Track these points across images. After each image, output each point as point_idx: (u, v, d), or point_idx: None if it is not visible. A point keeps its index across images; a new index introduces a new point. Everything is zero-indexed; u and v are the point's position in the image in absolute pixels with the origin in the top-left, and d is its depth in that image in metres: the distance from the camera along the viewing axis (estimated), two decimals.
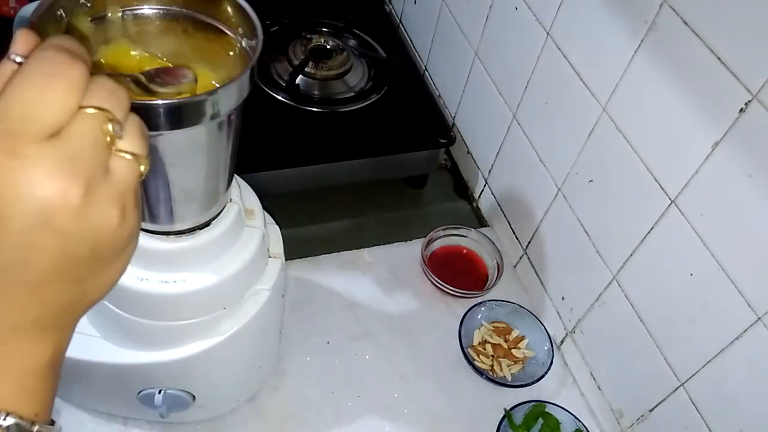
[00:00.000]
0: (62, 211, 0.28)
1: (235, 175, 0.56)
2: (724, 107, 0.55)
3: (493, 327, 0.84)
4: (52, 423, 0.34)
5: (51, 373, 0.33)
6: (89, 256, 0.30)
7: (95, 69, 0.30)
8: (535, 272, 0.88)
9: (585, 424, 0.75)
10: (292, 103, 0.95)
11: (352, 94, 0.99)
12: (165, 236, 0.52)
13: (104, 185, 0.29)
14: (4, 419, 0.31)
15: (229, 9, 0.45)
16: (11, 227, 0.27)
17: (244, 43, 0.46)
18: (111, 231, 0.30)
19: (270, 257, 0.63)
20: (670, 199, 0.63)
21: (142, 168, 0.31)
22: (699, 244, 0.60)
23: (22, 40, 0.29)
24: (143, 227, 0.52)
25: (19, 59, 0.29)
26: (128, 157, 0.30)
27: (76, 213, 0.28)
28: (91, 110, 0.28)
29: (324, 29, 1.06)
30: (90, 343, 0.60)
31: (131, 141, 0.30)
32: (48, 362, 0.33)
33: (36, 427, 0.32)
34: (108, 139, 0.29)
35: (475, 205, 1.03)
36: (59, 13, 0.41)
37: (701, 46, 0.56)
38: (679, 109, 0.60)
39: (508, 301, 0.85)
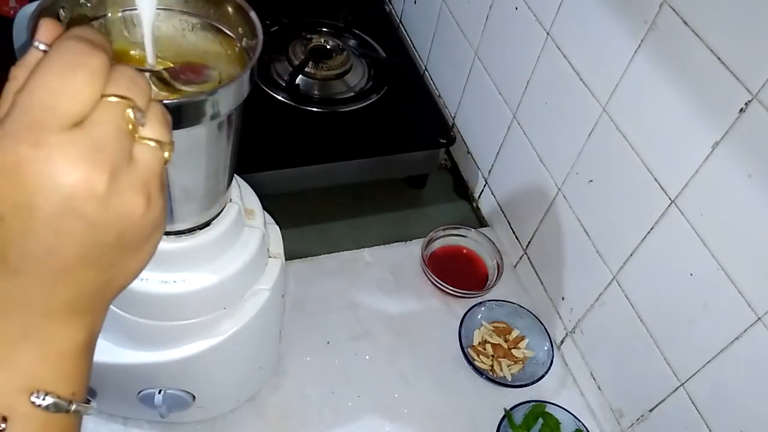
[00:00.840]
0: (87, 199, 0.28)
1: (235, 175, 0.56)
2: (724, 107, 0.55)
3: (493, 327, 0.84)
4: (88, 402, 0.35)
5: (86, 355, 0.35)
6: (115, 243, 0.31)
7: (117, 59, 0.30)
8: (535, 272, 0.88)
9: (585, 424, 0.75)
10: (292, 103, 0.95)
11: (352, 94, 0.99)
12: (165, 236, 0.52)
13: (129, 173, 0.29)
14: (44, 399, 0.32)
15: (229, 9, 0.46)
16: (38, 216, 0.28)
17: (244, 43, 0.46)
18: (136, 218, 0.30)
19: (270, 257, 0.63)
20: (670, 199, 0.63)
21: (167, 154, 0.32)
22: (699, 244, 0.60)
23: (45, 28, 0.30)
24: None
25: (43, 47, 0.29)
26: (152, 144, 0.31)
27: (101, 201, 0.28)
28: (113, 98, 0.29)
29: (324, 29, 1.06)
30: None
31: (154, 128, 0.31)
32: (82, 344, 0.34)
33: (74, 406, 0.33)
34: (130, 126, 0.29)
35: (475, 205, 1.03)
36: (59, 13, 0.41)
37: (701, 46, 0.56)
38: (679, 109, 0.60)
39: (508, 301, 0.85)
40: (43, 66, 0.28)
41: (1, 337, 0.31)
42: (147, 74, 0.38)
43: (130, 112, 0.29)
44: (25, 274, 0.30)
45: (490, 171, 0.97)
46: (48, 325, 0.32)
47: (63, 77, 0.28)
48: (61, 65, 0.28)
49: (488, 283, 0.89)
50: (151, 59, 0.40)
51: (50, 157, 0.27)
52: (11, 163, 0.27)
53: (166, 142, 0.32)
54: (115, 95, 0.29)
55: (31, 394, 0.31)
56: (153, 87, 0.39)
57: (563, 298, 0.83)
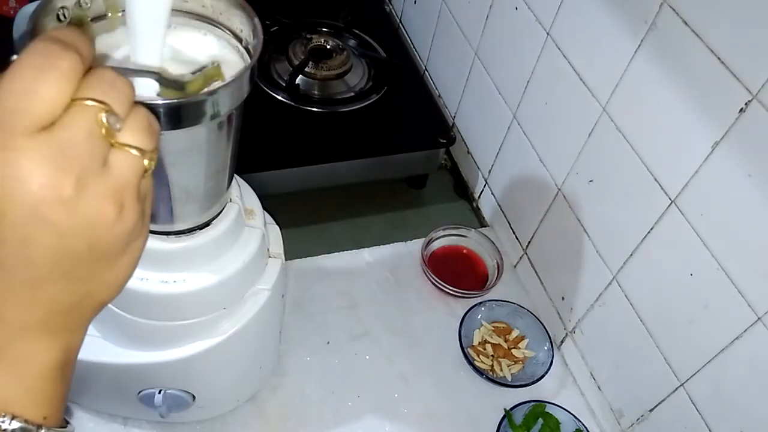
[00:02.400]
0: (54, 205, 0.27)
1: (235, 175, 0.56)
2: (724, 107, 0.55)
3: (493, 327, 0.84)
4: (65, 425, 0.34)
5: (60, 376, 0.33)
6: (87, 253, 0.29)
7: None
8: (535, 272, 0.88)
9: (585, 424, 0.75)
10: (292, 103, 0.95)
11: (352, 94, 0.99)
12: (165, 236, 0.52)
13: (100, 179, 0.28)
14: (10, 422, 0.30)
15: (230, 9, 0.46)
16: (6, 222, 0.27)
17: (244, 43, 0.46)
18: (107, 226, 0.29)
19: (270, 257, 0.63)
20: (670, 199, 0.63)
21: (146, 162, 0.30)
22: (699, 244, 0.60)
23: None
24: None
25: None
26: (133, 151, 0.29)
27: (68, 206, 0.27)
28: (87, 102, 0.28)
29: (324, 29, 1.06)
30: (90, 343, 0.59)
31: (134, 134, 0.30)
32: (57, 364, 0.32)
33: (43, 431, 0.31)
34: (103, 131, 0.28)
35: (475, 205, 1.03)
36: (59, 13, 0.41)
37: (701, 46, 0.56)
38: (679, 109, 0.60)
39: (508, 301, 0.85)
40: (10, 70, 0.27)
41: None
42: (152, 75, 0.38)
43: (103, 117, 0.28)
44: None
45: (490, 171, 0.97)
46: (21, 343, 0.30)
47: (30, 80, 0.27)
48: (29, 68, 0.27)
49: (488, 283, 0.89)
50: (157, 60, 0.39)
51: (16, 160, 0.26)
52: None
53: (147, 149, 0.30)
54: (89, 98, 0.28)
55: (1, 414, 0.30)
56: (158, 87, 0.39)
57: (563, 298, 0.83)
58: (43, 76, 0.27)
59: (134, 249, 0.32)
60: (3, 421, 0.30)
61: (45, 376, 0.32)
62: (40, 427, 0.31)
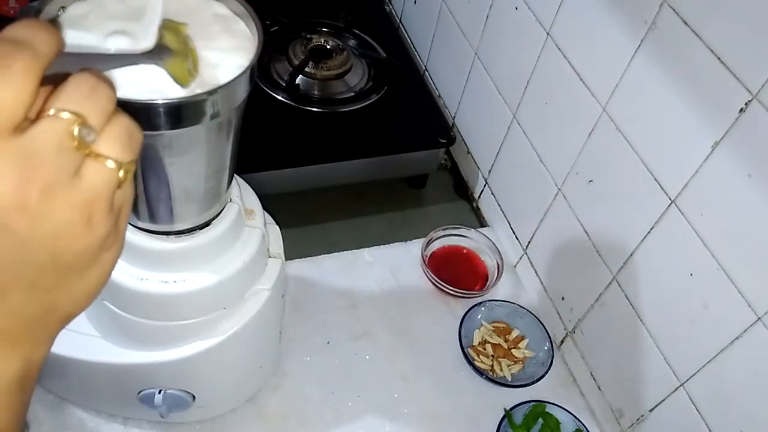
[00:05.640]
0: (17, 213, 0.26)
1: (235, 175, 0.56)
2: (724, 107, 0.55)
3: (493, 327, 0.84)
4: None
5: (20, 389, 0.31)
6: (51, 264, 0.29)
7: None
8: (535, 272, 0.88)
9: (585, 424, 0.75)
10: (292, 103, 0.95)
11: (352, 94, 0.99)
12: (165, 236, 0.52)
13: (68, 189, 0.27)
14: None
15: (229, 9, 0.45)
16: None
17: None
18: (73, 238, 0.28)
19: (270, 257, 0.63)
20: (670, 199, 0.63)
21: (121, 174, 0.29)
22: (699, 244, 0.60)
23: None
24: (144, 227, 0.52)
25: None
26: (108, 162, 0.29)
27: (32, 215, 0.27)
28: (61, 114, 0.27)
29: (324, 29, 1.06)
30: (90, 343, 0.60)
31: (111, 145, 0.29)
32: (17, 377, 0.31)
33: None
34: (75, 144, 0.27)
35: (475, 205, 1.03)
36: (59, 12, 0.41)
37: (701, 46, 0.56)
38: (679, 109, 0.60)
39: (508, 301, 0.85)
40: None
41: None
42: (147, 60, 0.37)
43: (75, 130, 0.27)
44: None
45: (490, 171, 0.97)
46: None
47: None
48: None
49: (488, 283, 0.89)
50: (151, 41, 0.39)
51: None
52: None
53: (123, 161, 0.29)
54: (64, 110, 0.27)
55: None
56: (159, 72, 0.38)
57: (563, 298, 0.83)
58: (11, 76, 0.26)
59: (105, 261, 0.31)
60: None
61: (3, 388, 0.31)
62: None
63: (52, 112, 0.27)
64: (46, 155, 0.27)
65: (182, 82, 0.39)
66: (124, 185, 0.30)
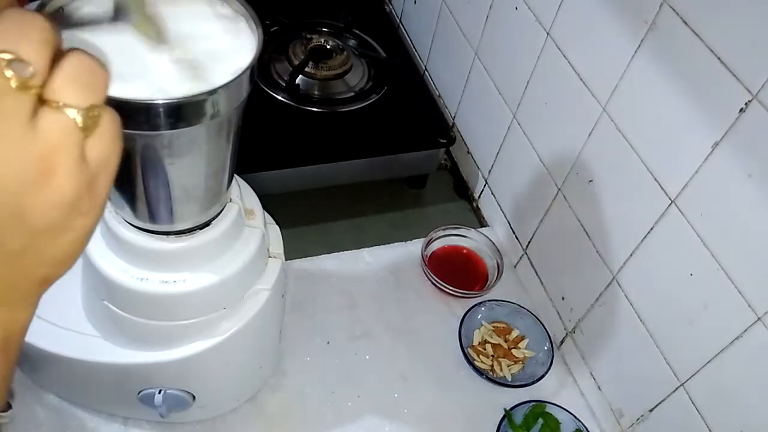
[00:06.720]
0: None
1: (235, 175, 0.56)
2: (724, 107, 0.55)
3: (493, 327, 0.84)
4: (7, 408, 0.31)
5: (0, 354, 0.30)
6: (15, 222, 0.26)
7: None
8: (535, 272, 0.88)
9: (585, 424, 0.75)
10: (292, 103, 0.95)
11: (352, 94, 0.99)
12: (165, 236, 0.52)
13: (19, 139, 0.25)
14: None
15: (229, 9, 0.45)
16: None
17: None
18: (32, 195, 0.26)
19: (270, 257, 0.63)
20: (670, 199, 0.63)
21: (81, 120, 0.26)
22: (699, 244, 0.60)
23: None
24: (144, 227, 0.52)
25: None
26: (67, 110, 0.26)
27: None
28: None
29: (324, 29, 1.06)
30: (90, 343, 0.60)
31: (64, 88, 0.26)
32: None
33: None
34: (14, 84, 0.25)
35: (475, 205, 1.03)
36: (59, 13, 0.41)
37: (701, 46, 0.56)
38: (679, 109, 0.60)
39: (508, 301, 0.85)
40: None
41: None
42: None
43: (7, 71, 0.24)
44: None
45: (490, 171, 0.97)
46: None
47: None
48: None
49: (488, 283, 0.89)
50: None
51: None
52: None
53: (82, 106, 0.26)
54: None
55: None
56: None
57: (563, 298, 0.83)
58: None
59: (79, 227, 0.29)
60: None
61: None
62: None
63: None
64: None
65: (152, 38, 0.39)
66: (100, 140, 0.27)
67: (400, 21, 1.21)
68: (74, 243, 0.29)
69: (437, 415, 0.76)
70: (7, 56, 0.24)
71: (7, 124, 0.24)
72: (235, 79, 0.40)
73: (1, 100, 0.24)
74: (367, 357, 0.80)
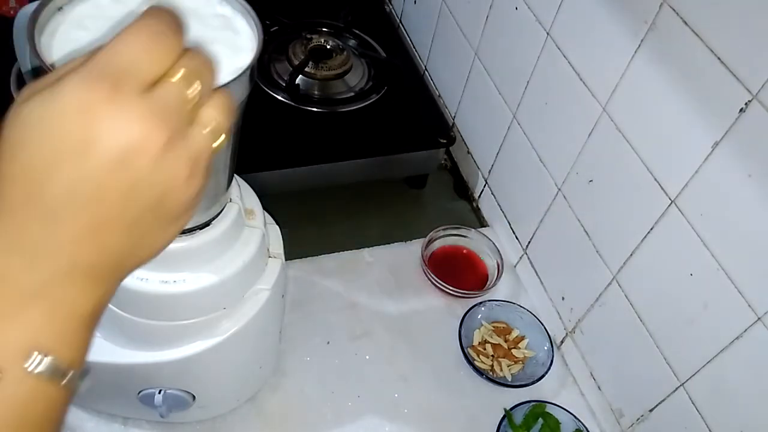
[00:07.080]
0: (141, 155, 0.29)
1: (235, 175, 0.56)
2: (724, 107, 0.55)
3: (493, 327, 0.84)
4: (84, 375, 0.35)
5: (91, 326, 0.34)
6: (153, 209, 0.31)
7: None
8: (535, 272, 0.88)
9: (585, 424, 0.75)
10: (292, 103, 0.95)
11: (352, 94, 0.99)
12: None
13: (184, 143, 0.31)
14: (41, 361, 0.31)
15: (229, 9, 0.45)
16: (92, 160, 0.29)
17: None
18: (178, 187, 0.31)
19: (270, 257, 0.63)
20: (670, 199, 0.63)
21: (220, 139, 0.33)
22: (699, 244, 0.60)
23: None
24: None
25: None
26: (214, 126, 0.32)
27: (153, 159, 0.30)
28: (186, 79, 0.31)
29: (324, 29, 1.06)
30: None
31: (216, 111, 0.32)
32: (90, 313, 0.34)
33: (70, 374, 0.33)
34: (191, 106, 0.31)
35: (475, 205, 1.03)
36: (59, 12, 0.41)
37: (701, 46, 0.56)
38: (679, 109, 0.60)
39: (508, 301, 0.85)
40: (131, 29, 0.29)
41: (21, 290, 0.31)
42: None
43: (195, 92, 0.31)
44: (64, 222, 0.30)
45: (490, 171, 0.97)
46: (66, 285, 0.31)
47: (148, 42, 0.29)
48: (149, 31, 0.29)
49: (488, 283, 0.89)
50: None
51: (120, 110, 0.28)
52: (85, 104, 0.28)
53: (222, 128, 0.33)
54: (190, 71, 0.31)
55: (30, 354, 0.31)
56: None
57: (563, 298, 0.83)
58: (159, 41, 0.30)
59: (185, 218, 0.34)
60: (33, 361, 0.31)
61: (81, 322, 0.33)
62: (68, 368, 0.33)
63: (178, 76, 0.30)
64: (174, 109, 0.30)
65: None
66: (214, 151, 0.33)
67: (400, 21, 1.21)
68: (174, 234, 0.34)
69: (437, 415, 0.76)
70: (198, 85, 0.31)
71: (178, 131, 0.31)
72: (235, 79, 0.40)
73: (181, 114, 0.31)
74: (367, 357, 0.80)
